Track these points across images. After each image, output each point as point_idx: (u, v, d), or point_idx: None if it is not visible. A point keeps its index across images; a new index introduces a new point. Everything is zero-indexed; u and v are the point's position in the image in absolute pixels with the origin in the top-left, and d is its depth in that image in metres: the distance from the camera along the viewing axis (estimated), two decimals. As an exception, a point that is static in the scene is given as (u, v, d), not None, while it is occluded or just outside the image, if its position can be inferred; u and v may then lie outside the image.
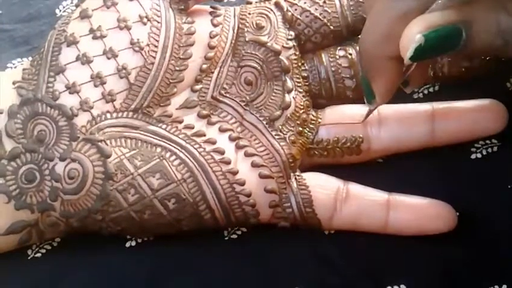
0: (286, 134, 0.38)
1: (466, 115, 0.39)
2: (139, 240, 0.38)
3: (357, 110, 0.39)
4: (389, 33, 0.31)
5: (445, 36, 0.29)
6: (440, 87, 0.41)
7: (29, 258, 0.38)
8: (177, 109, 0.38)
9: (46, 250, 0.38)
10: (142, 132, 0.37)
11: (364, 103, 0.39)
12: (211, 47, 0.38)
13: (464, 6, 0.30)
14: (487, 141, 0.39)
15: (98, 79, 0.36)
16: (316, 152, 0.39)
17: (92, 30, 0.37)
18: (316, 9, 0.40)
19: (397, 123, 0.39)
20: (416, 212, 0.37)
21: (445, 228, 0.37)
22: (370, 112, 0.37)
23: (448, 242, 0.37)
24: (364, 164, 0.39)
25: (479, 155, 0.39)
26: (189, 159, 0.36)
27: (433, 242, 0.37)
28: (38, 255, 0.38)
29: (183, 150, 0.37)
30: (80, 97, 0.36)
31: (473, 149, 0.39)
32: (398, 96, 0.40)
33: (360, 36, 0.33)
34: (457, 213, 0.37)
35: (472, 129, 0.39)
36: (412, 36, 0.29)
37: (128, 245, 0.38)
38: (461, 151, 0.39)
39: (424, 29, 0.29)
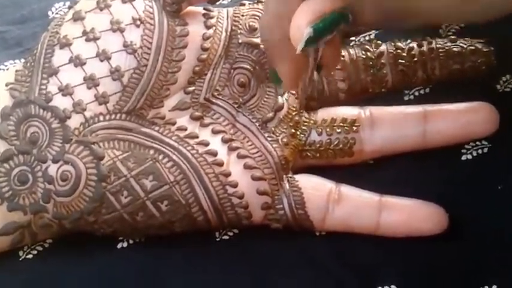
0: (279, 136, 0.38)
1: (458, 117, 0.39)
2: (130, 242, 0.38)
3: (349, 111, 0.39)
4: (280, 12, 0.31)
5: (331, 22, 0.30)
6: (431, 89, 0.42)
7: (20, 259, 0.38)
8: (170, 111, 0.38)
9: (37, 251, 0.38)
10: (135, 135, 0.37)
11: (355, 104, 0.40)
12: (204, 49, 0.38)
13: None
14: (478, 143, 0.40)
15: (90, 81, 0.36)
16: (309, 154, 0.39)
17: (85, 33, 0.37)
18: (309, 11, 0.40)
19: (390, 125, 0.39)
20: (407, 213, 0.37)
21: (436, 229, 0.37)
22: (299, 98, 0.37)
23: (439, 243, 0.37)
24: (356, 165, 0.40)
25: (469, 156, 0.40)
26: (182, 161, 0.36)
27: (424, 242, 0.37)
28: (30, 256, 0.38)
29: (175, 152, 0.37)
30: (73, 99, 0.36)
31: (463, 150, 0.40)
32: (390, 98, 0.41)
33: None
34: (448, 215, 0.37)
35: (463, 131, 0.39)
36: (300, 28, 0.29)
37: (119, 246, 0.38)
38: (452, 152, 0.39)
39: (310, 21, 0.29)
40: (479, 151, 0.40)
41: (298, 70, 0.33)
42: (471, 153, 0.40)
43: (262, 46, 0.38)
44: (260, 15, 0.39)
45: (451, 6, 0.30)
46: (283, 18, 0.31)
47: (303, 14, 0.29)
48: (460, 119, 0.39)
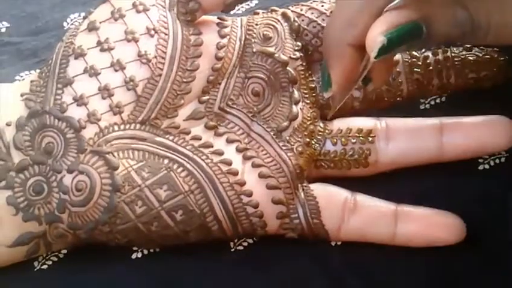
0: (293, 145, 0.38)
1: (474, 130, 0.38)
2: (145, 252, 0.38)
3: (365, 122, 0.39)
4: (351, 20, 0.33)
5: (405, 33, 0.31)
6: (447, 98, 0.41)
7: (35, 269, 0.38)
8: (184, 120, 0.38)
9: (52, 262, 0.38)
10: (149, 144, 0.37)
11: (370, 113, 0.40)
12: (218, 58, 0.38)
13: (422, 2, 0.32)
14: (494, 152, 0.39)
15: (105, 91, 0.37)
16: (324, 164, 0.39)
17: (99, 43, 0.37)
18: (323, 19, 0.40)
19: (405, 137, 0.39)
20: (424, 223, 0.37)
21: (453, 239, 0.37)
22: (333, 106, 0.38)
23: (456, 254, 0.37)
24: (371, 176, 0.39)
25: (486, 166, 0.39)
26: (196, 171, 0.36)
27: (440, 253, 0.37)
28: (44, 267, 0.38)
29: (190, 162, 0.37)
30: (88, 109, 0.36)
31: (480, 160, 0.40)
32: (406, 107, 0.40)
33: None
34: (465, 225, 0.37)
35: (480, 144, 0.38)
36: (375, 37, 0.31)
37: (134, 256, 0.38)
38: (468, 162, 0.39)
39: (385, 30, 0.31)
40: (497, 161, 0.40)
41: (349, 78, 0.34)
42: (488, 163, 0.40)
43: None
44: (274, 24, 0.39)
45: None
46: (354, 25, 0.33)
47: (379, 25, 0.31)
48: (476, 132, 0.38)
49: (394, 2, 0.31)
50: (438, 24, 0.31)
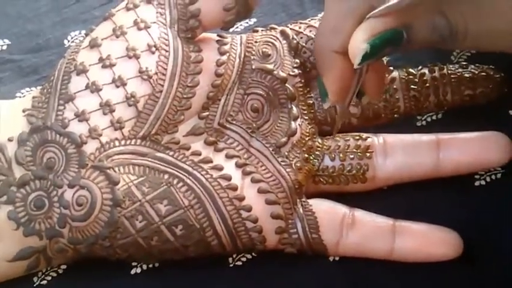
0: (292, 161, 0.38)
1: (471, 146, 0.39)
2: (144, 267, 0.38)
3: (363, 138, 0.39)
4: (335, 28, 0.34)
5: (387, 39, 0.32)
6: (444, 115, 0.42)
7: (34, 285, 0.38)
8: (184, 136, 0.38)
9: (51, 277, 0.38)
10: (150, 159, 0.37)
11: (366, 131, 0.40)
12: (218, 75, 0.38)
13: (403, 11, 0.32)
14: (491, 169, 0.40)
15: (106, 107, 0.37)
16: (322, 179, 0.39)
17: (101, 59, 0.37)
18: (321, 37, 0.40)
19: (403, 152, 0.39)
20: (421, 238, 0.37)
21: (450, 254, 0.37)
22: (337, 122, 0.38)
23: (453, 269, 0.37)
24: (369, 191, 0.39)
25: (482, 182, 0.40)
26: (196, 186, 0.37)
27: (438, 269, 0.37)
28: (44, 282, 0.38)
29: (190, 177, 0.37)
30: (89, 125, 0.37)
31: (477, 176, 0.40)
32: (402, 124, 0.41)
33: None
34: (462, 240, 0.37)
35: (476, 160, 0.38)
36: (358, 44, 0.31)
37: (133, 272, 0.38)
38: (465, 178, 0.39)
39: (368, 37, 0.31)
40: (493, 177, 0.40)
41: (343, 86, 0.35)
42: (484, 179, 0.40)
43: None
44: (273, 41, 0.40)
45: None
46: (339, 32, 0.33)
47: (362, 32, 0.32)
48: (472, 148, 0.39)
49: (376, 10, 0.32)
50: (418, 30, 0.32)
